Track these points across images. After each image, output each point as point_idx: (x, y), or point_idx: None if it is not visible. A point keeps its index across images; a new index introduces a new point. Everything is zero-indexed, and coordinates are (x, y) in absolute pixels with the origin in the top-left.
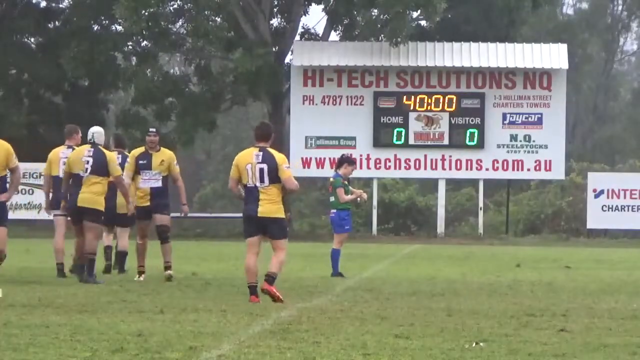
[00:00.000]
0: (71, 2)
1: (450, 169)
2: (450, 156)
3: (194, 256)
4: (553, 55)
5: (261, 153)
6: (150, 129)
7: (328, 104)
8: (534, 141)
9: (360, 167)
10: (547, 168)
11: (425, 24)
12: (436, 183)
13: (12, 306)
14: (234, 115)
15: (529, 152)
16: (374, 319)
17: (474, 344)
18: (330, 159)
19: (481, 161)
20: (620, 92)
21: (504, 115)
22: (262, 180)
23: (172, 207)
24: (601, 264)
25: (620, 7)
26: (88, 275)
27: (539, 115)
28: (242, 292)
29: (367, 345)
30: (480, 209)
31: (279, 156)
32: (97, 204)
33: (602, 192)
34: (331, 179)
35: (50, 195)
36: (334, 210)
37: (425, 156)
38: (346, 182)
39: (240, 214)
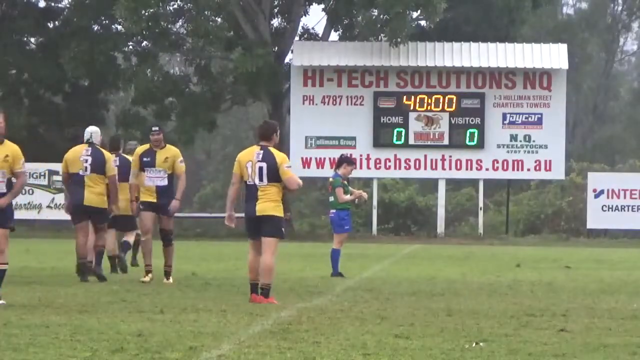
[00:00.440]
0: (71, 2)
1: (450, 169)
2: (450, 156)
3: (194, 256)
4: (553, 55)
5: (262, 152)
6: (153, 128)
7: (328, 104)
8: (534, 141)
9: (360, 167)
10: (547, 168)
11: (425, 24)
12: (436, 183)
13: (12, 306)
14: (234, 115)
15: (529, 152)
16: (374, 319)
17: (474, 344)
18: (330, 159)
19: (481, 161)
20: (620, 92)
21: (504, 115)
22: (261, 179)
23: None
24: (601, 264)
25: (620, 7)
26: (97, 265)
27: (539, 115)
28: (242, 292)
29: (367, 345)
30: (480, 209)
31: (279, 156)
32: (102, 203)
33: (602, 192)
34: (330, 179)
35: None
36: (334, 210)
37: (425, 156)
38: (345, 182)
39: (241, 214)
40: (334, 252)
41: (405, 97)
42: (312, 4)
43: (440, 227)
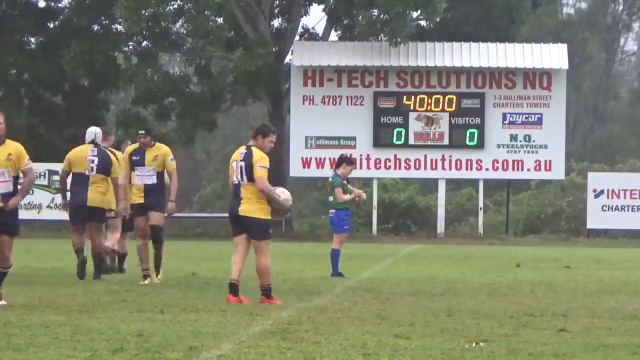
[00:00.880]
0: (71, 2)
1: (450, 169)
2: (450, 156)
3: (194, 256)
4: (553, 55)
5: (245, 151)
6: (140, 131)
7: (328, 104)
8: (534, 141)
9: (360, 167)
10: (547, 168)
11: (425, 24)
12: (436, 183)
13: (12, 306)
14: (234, 115)
15: (529, 152)
16: (374, 319)
17: (474, 344)
18: (330, 159)
19: (481, 161)
20: (620, 93)
21: (504, 115)
22: (242, 178)
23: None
24: (601, 264)
25: (621, 7)
26: (97, 274)
27: (539, 115)
28: (242, 292)
29: (367, 345)
30: (480, 209)
31: (256, 154)
32: (104, 203)
33: (602, 192)
34: (330, 179)
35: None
36: (333, 210)
37: (425, 156)
38: (345, 182)
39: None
40: (333, 252)
41: (405, 97)
42: (312, 4)
43: (440, 227)
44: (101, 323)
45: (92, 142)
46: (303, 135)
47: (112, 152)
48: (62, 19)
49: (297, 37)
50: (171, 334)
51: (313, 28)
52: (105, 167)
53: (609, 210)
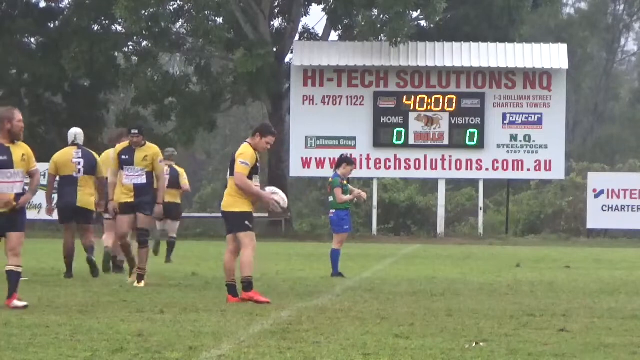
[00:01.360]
0: (71, 2)
1: (450, 169)
2: (450, 156)
3: (194, 256)
4: (553, 55)
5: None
6: (132, 130)
7: (328, 104)
8: (534, 141)
9: (360, 167)
10: (547, 168)
11: (425, 24)
12: (436, 183)
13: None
14: (234, 115)
15: (529, 152)
16: (374, 319)
17: (474, 344)
18: (330, 159)
19: (481, 161)
20: (620, 93)
21: (504, 115)
22: (229, 171)
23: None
24: (601, 264)
25: (621, 7)
26: (90, 256)
27: (539, 115)
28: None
29: (367, 345)
30: (480, 209)
31: (241, 149)
32: (92, 204)
33: (602, 192)
34: (330, 179)
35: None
36: (333, 210)
37: (425, 156)
38: (345, 182)
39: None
40: (333, 252)
41: (405, 97)
42: (312, 4)
43: (440, 227)
44: (101, 323)
45: (74, 143)
46: (303, 135)
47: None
48: (62, 19)
49: (297, 37)
50: (171, 334)
51: (313, 28)
52: (91, 168)
53: (609, 210)
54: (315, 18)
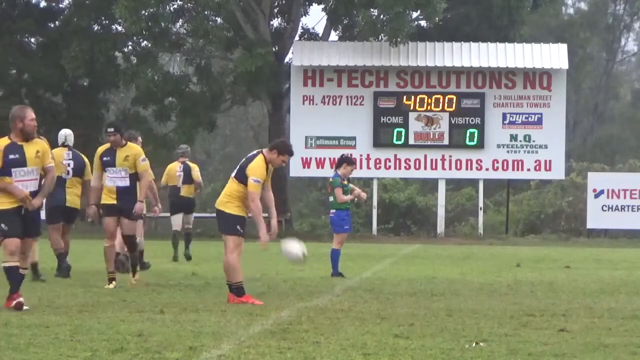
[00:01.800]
0: (71, 2)
1: (450, 169)
2: (450, 156)
3: (194, 256)
4: (553, 55)
5: (254, 153)
6: (109, 129)
7: (328, 104)
8: (534, 141)
9: (360, 167)
10: (547, 168)
11: (425, 24)
12: (436, 183)
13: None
14: (234, 115)
15: (529, 152)
16: (374, 319)
17: (474, 344)
18: (330, 159)
19: (481, 161)
20: (620, 92)
21: (504, 115)
22: (234, 171)
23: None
24: (601, 264)
25: (621, 7)
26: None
27: (539, 115)
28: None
29: (367, 345)
30: (480, 209)
31: (255, 163)
32: (78, 204)
33: (602, 192)
34: (330, 179)
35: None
36: (333, 210)
37: (425, 156)
38: (345, 182)
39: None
40: (333, 252)
41: (405, 97)
42: (312, 4)
43: (440, 227)
44: (101, 323)
45: (64, 144)
46: (303, 135)
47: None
48: (62, 19)
49: (297, 37)
50: (171, 334)
51: (313, 28)
52: (80, 170)
53: (609, 210)
54: (315, 18)
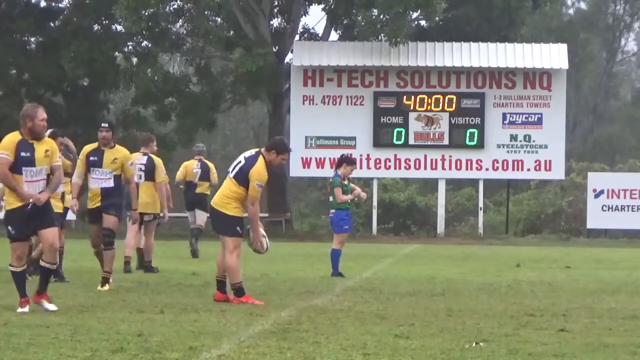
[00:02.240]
0: (71, 2)
1: (450, 169)
2: (450, 156)
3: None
4: (553, 55)
5: (253, 154)
6: (102, 124)
7: (328, 104)
8: (534, 141)
9: (360, 167)
10: (547, 168)
11: (425, 24)
12: (436, 183)
13: (12, 306)
14: (234, 115)
15: (529, 152)
16: (374, 319)
17: (474, 344)
18: (330, 159)
19: (481, 161)
20: (620, 92)
21: (504, 115)
22: (231, 171)
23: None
24: (601, 264)
25: (621, 7)
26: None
27: (539, 115)
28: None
29: (367, 345)
30: (480, 209)
31: (258, 166)
32: (67, 203)
33: (602, 192)
34: (330, 179)
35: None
36: (333, 210)
37: (425, 156)
38: (345, 182)
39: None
40: (333, 252)
41: (405, 97)
42: (312, 4)
43: (440, 227)
44: (101, 323)
45: None
46: (303, 135)
47: (152, 158)
48: (62, 19)
49: (297, 37)
50: (171, 334)
51: (313, 28)
52: (66, 170)
53: (609, 210)
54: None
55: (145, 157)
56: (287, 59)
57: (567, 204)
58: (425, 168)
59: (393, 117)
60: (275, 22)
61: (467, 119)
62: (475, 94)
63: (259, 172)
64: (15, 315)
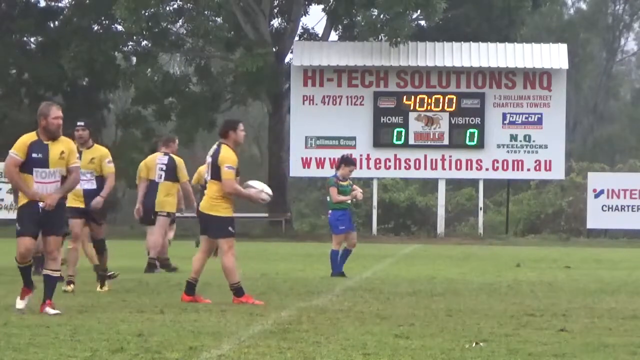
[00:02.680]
0: (71, 2)
1: (450, 169)
2: (450, 156)
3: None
4: (553, 55)
5: (216, 147)
6: (78, 123)
7: (328, 104)
8: (534, 141)
9: (360, 167)
10: (547, 168)
11: (425, 24)
12: (436, 183)
13: (12, 306)
14: (234, 115)
15: (529, 152)
16: (374, 319)
17: (474, 344)
18: (330, 159)
19: (481, 161)
20: (620, 92)
21: (504, 115)
22: (208, 174)
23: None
24: (601, 264)
25: (621, 7)
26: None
27: (539, 115)
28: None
29: (367, 345)
30: (480, 209)
31: (223, 153)
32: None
33: (602, 192)
34: (328, 179)
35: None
36: (330, 211)
37: (425, 156)
38: (345, 183)
39: (240, 214)
40: (332, 253)
41: (405, 97)
42: (312, 4)
43: (440, 227)
44: (101, 323)
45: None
46: (303, 135)
47: (173, 158)
48: (62, 19)
49: (297, 37)
50: (171, 334)
51: (313, 28)
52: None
53: (609, 210)
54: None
55: (167, 157)
56: (287, 59)
57: (567, 204)
58: (425, 168)
59: (393, 117)
60: (275, 22)
61: (467, 119)
62: (475, 94)
63: (225, 156)
64: (15, 315)
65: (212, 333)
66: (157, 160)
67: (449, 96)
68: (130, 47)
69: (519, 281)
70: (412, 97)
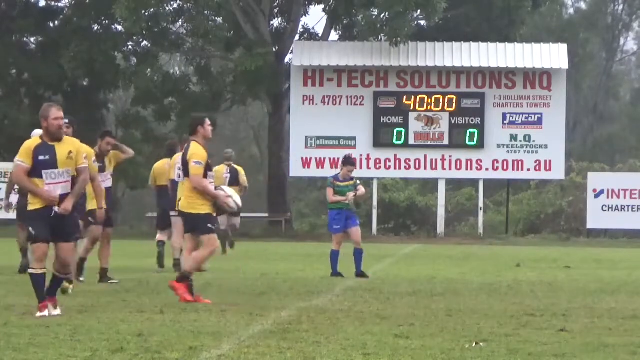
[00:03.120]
0: (71, 2)
1: (450, 169)
2: (450, 156)
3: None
4: (553, 55)
5: (186, 146)
6: (63, 120)
7: (328, 104)
8: (534, 141)
9: (360, 167)
10: (547, 168)
11: (425, 24)
12: (436, 183)
13: (12, 306)
14: (234, 115)
15: (529, 152)
16: (374, 319)
17: (474, 344)
18: (330, 159)
19: (481, 161)
20: (620, 92)
21: (504, 115)
22: (179, 175)
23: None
24: (601, 264)
25: (621, 7)
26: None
27: (539, 115)
28: (242, 292)
29: (367, 345)
30: (480, 209)
31: (192, 149)
32: None
33: (602, 192)
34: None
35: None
36: (328, 211)
37: (425, 156)
38: (341, 183)
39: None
40: (332, 253)
41: (405, 97)
42: (312, 4)
43: (440, 227)
44: (101, 323)
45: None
46: (303, 135)
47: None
48: (62, 19)
49: (297, 37)
50: (171, 334)
51: (313, 28)
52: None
53: (609, 210)
54: (315, 18)
55: None
56: (287, 59)
57: (567, 204)
58: (425, 168)
59: (393, 117)
60: (275, 22)
61: (467, 119)
62: (475, 94)
63: (193, 152)
64: (16, 315)
65: (212, 333)
66: (176, 160)
67: (449, 96)
68: (130, 47)
69: (519, 281)
70: (412, 97)
